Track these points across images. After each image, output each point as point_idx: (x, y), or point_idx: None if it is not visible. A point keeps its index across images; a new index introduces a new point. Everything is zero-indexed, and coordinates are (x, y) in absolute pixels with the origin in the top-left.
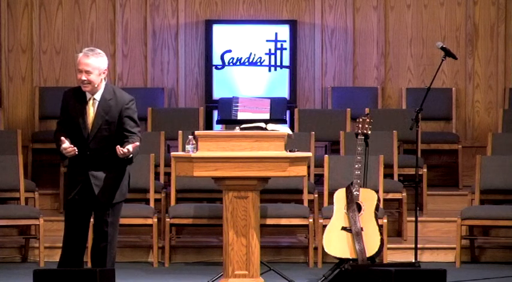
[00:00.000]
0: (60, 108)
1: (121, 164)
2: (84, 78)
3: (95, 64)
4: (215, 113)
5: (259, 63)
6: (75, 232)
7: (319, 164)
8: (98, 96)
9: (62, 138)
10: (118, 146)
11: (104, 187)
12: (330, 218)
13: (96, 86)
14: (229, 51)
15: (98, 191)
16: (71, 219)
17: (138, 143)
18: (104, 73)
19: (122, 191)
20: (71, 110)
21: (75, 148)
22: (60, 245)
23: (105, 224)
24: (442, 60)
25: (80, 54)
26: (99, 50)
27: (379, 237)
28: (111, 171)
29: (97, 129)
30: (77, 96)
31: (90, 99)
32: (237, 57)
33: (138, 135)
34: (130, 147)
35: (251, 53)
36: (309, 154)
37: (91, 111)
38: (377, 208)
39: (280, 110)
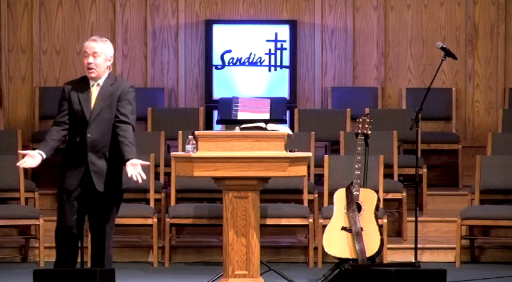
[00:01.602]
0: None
1: (119, 153)
2: (91, 60)
3: (102, 49)
4: (215, 113)
5: (259, 63)
6: (71, 227)
7: (319, 164)
8: (101, 81)
9: (32, 152)
10: (130, 174)
11: (102, 176)
12: (330, 218)
13: (102, 70)
14: (229, 51)
15: (97, 179)
16: (67, 212)
17: (148, 163)
18: (109, 60)
19: (120, 181)
20: (73, 99)
21: (30, 164)
22: None
23: (104, 222)
24: (442, 60)
25: (87, 42)
26: (105, 38)
27: (379, 237)
28: (109, 159)
29: (98, 111)
30: (79, 85)
31: (93, 85)
32: (237, 57)
33: (131, 123)
34: (140, 169)
35: (251, 53)
36: (309, 154)
37: (94, 95)
38: (377, 208)
39: (280, 110)
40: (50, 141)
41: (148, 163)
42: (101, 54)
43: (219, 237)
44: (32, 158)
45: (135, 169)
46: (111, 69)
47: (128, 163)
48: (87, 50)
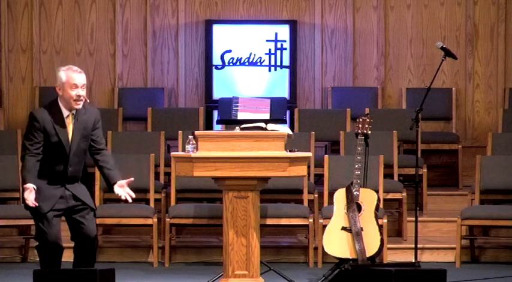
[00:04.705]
0: (31, 128)
1: (86, 176)
2: (81, 93)
3: (85, 81)
4: (215, 113)
5: (259, 63)
6: (58, 240)
7: (319, 164)
8: (74, 111)
9: (29, 185)
10: (120, 195)
11: (87, 195)
12: (330, 218)
13: None
14: (229, 51)
15: (86, 199)
16: (51, 227)
17: (132, 179)
18: None
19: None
20: (49, 129)
21: (36, 203)
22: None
23: (94, 234)
24: (442, 60)
25: (68, 71)
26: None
27: (379, 237)
28: (81, 183)
29: (77, 142)
30: (52, 115)
31: (68, 115)
32: (237, 57)
33: (106, 148)
34: (128, 189)
35: (251, 53)
36: (309, 154)
37: (70, 126)
38: (377, 208)
39: (280, 110)
40: (35, 175)
41: (132, 179)
42: (85, 86)
43: (219, 237)
44: (33, 195)
45: (123, 190)
46: None
47: (115, 186)
48: (75, 82)
